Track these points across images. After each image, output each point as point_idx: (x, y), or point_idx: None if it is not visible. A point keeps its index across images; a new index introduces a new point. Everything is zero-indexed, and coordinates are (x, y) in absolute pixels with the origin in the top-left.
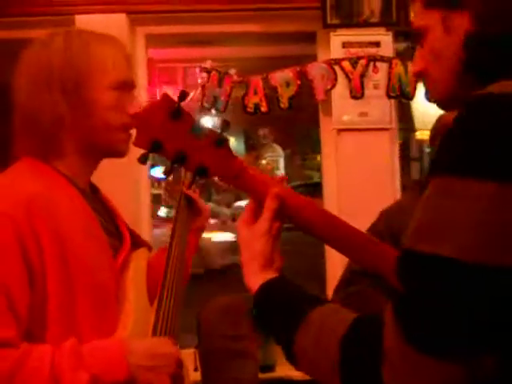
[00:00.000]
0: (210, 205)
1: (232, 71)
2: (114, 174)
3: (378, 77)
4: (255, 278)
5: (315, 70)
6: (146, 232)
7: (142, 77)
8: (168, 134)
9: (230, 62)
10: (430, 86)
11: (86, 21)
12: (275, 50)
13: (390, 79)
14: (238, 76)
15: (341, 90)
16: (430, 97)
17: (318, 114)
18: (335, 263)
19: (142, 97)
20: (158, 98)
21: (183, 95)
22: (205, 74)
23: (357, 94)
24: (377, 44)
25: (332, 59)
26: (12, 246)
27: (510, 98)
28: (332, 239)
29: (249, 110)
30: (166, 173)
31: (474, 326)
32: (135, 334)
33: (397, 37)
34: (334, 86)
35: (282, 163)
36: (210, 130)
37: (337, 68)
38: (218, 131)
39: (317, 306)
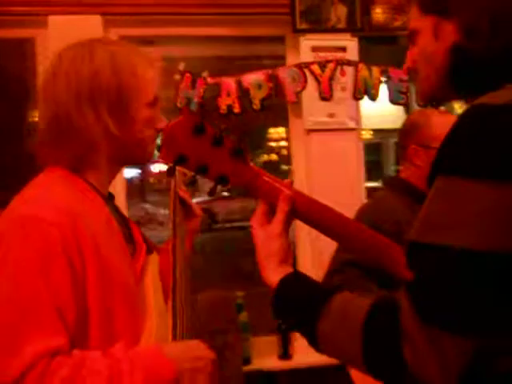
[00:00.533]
0: (147, 206)
1: (205, 73)
2: None
3: (345, 80)
4: (274, 273)
5: (286, 73)
6: None
7: None
8: (191, 148)
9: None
10: (418, 82)
11: (60, 21)
12: (243, 49)
13: (356, 82)
14: (212, 78)
15: (310, 92)
16: (418, 92)
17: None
18: (305, 251)
19: None
20: (182, 116)
21: (202, 108)
22: (178, 76)
23: (326, 95)
24: (343, 49)
25: (302, 63)
26: (60, 255)
27: (497, 107)
28: (335, 233)
29: (222, 111)
30: (188, 183)
31: (480, 305)
32: (159, 337)
33: (361, 41)
34: (304, 88)
35: None
36: (229, 140)
37: (306, 71)
38: (236, 141)
39: (334, 294)
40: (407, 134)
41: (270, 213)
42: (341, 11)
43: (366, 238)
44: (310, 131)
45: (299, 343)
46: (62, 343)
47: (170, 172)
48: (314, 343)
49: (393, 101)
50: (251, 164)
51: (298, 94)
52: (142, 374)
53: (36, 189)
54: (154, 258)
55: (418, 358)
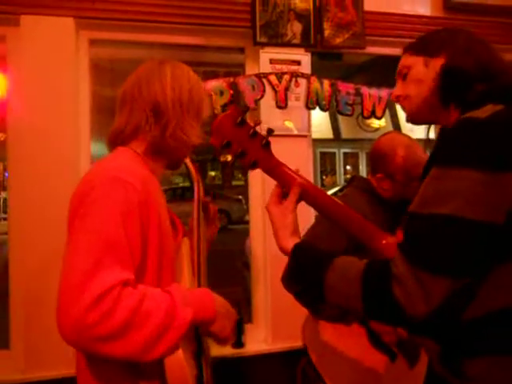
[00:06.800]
0: None
1: None
2: (61, 173)
3: (299, 90)
4: (287, 241)
5: (246, 82)
6: None
7: (84, 79)
8: (234, 136)
9: None
10: (409, 105)
11: (33, 21)
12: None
13: (308, 93)
14: None
15: (268, 100)
16: (408, 115)
17: None
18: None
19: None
20: (229, 110)
21: (246, 109)
22: None
23: (281, 104)
24: (298, 62)
25: (261, 73)
26: (136, 212)
27: (481, 120)
28: (330, 212)
29: None
30: (231, 165)
31: (457, 255)
32: None
33: (313, 56)
34: (262, 96)
35: None
36: (259, 135)
37: (265, 81)
38: (265, 135)
39: (337, 256)
40: (375, 160)
41: (282, 196)
42: (296, 28)
43: (352, 217)
44: None
45: (251, 333)
46: (132, 277)
47: (218, 153)
48: (320, 294)
49: (341, 112)
50: (274, 155)
51: (256, 102)
52: (192, 309)
53: (122, 160)
54: (186, 241)
55: (407, 295)
